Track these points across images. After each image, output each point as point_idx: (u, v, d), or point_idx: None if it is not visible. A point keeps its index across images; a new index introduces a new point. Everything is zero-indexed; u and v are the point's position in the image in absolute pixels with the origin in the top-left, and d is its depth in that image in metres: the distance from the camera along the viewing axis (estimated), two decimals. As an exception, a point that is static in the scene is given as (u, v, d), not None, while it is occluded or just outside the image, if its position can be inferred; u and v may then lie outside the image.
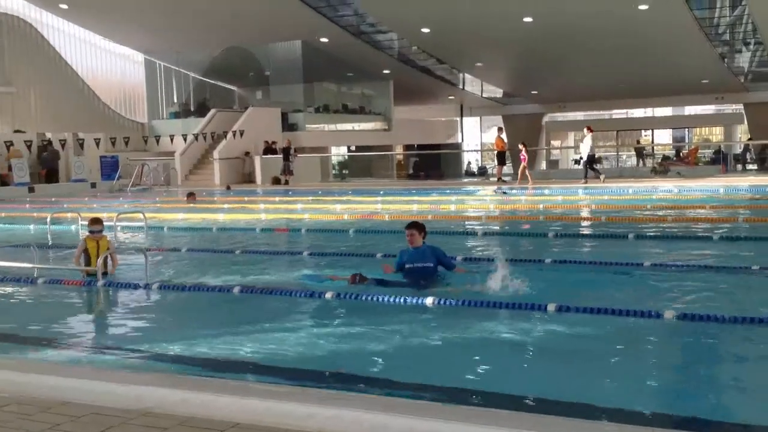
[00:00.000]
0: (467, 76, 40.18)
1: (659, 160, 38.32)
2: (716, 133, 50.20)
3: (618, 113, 49.73)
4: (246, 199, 21.71)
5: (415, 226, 8.33)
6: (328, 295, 7.42)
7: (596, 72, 34.98)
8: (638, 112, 49.68)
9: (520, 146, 25.13)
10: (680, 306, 6.79)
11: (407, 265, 8.16)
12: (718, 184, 20.55)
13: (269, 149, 30.36)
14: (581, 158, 25.60)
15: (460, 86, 41.81)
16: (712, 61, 33.05)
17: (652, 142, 47.96)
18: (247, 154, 29.88)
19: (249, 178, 29.29)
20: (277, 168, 28.61)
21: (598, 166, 25.47)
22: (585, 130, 24.61)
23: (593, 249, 10.51)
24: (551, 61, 34.15)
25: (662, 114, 48.99)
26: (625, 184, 22.03)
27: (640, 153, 42.73)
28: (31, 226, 15.14)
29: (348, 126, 38.39)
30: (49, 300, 8.36)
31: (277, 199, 21.47)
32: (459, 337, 6.14)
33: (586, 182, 22.80)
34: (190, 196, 20.54)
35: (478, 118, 49.08)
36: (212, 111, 33.05)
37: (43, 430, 3.77)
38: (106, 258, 8.77)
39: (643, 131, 49.52)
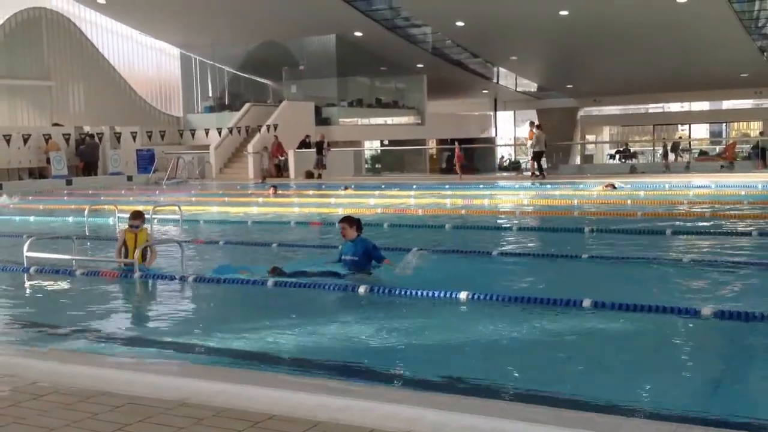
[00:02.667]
0: (501, 69, 39.96)
1: (696, 155, 37.81)
2: (754, 128, 49.32)
3: (654, 107, 49.08)
4: (311, 192, 21.50)
5: (346, 220, 8.63)
6: (362, 290, 7.44)
7: (632, 66, 34.56)
8: (675, 107, 48.98)
9: (456, 144, 27.42)
10: (718, 303, 6.70)
11: (342, 257, 8.50)
12: (756, 180, 20.23)
13: (303, 143, 30.48)
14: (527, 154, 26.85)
15: (495, 80, 41.58)
16: (751, 55, 32.48)
17: (689, 136, 47.26)
18: (265, 149, 29.75)
19: (266, 174, 28.95)
20: (311, 162, 28.71)
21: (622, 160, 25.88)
22: (533, 127, 25.91)
23: (628, 244, 10.40)
24: (587, 55, 33.83)
25: (699, 108, 48.28)
26: (661, 179, 21.77)
27: (676, 148, 42.15)
28: (70, 218, 15.38)
29: (381, 120, 38.39)
30: (87, 291, 8.49)
31: (338, 192, 20.96)
32: (496, 333, 6.13)
33: (534, 177, 24.08)
34: (274, 188, 20.33)
35: (512, 112, 48.79)
36: (247, 105, 33.25)
37: (83, 419, 3.85)
38: (144, 250, 8.87)
39: (679, 126, 48.82)
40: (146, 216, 10.43)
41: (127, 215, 9.59)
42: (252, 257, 10.14)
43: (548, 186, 21.18)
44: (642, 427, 3.81)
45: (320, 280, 7.97)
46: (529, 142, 25.68)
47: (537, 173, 24.66)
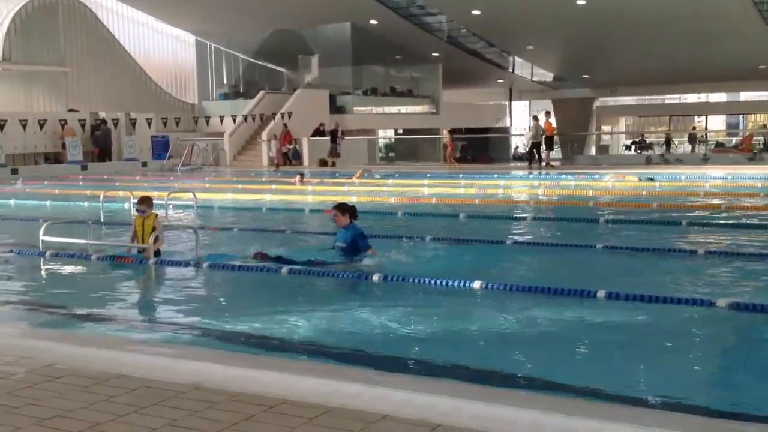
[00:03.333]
0: (517, 59, 39.75)
1: (713, 147, 37.55)
2: (772, 120, 48.92)
3: (671, 98, 48.76)
4: (343, 181, 21.23)
5: (338, 207, 8.72)
6: (375, 278, 7.44)
7: (649, 56, 34.29)
8: (692, 98, 48.65)
9: (446, 133, 27.64)
10: (733, 295, 6.66)
11: (335, 244, 8.64)
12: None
13: (318, 131, 30.46)
14: (525, 145, 27.28)
15: (510, 70, 41.38)
16: (770, 47, 32.18)
17: (706, 128, 46.94)
18: (274, 137, 29.71)
19: (272, 162, 28.92)
20: (325, 150, 28.70)
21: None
22: (548, 117, 26.69)
23: (644, 235, 10.34)
24: (604, 45, 33.61)
25: (716, 100, 47.90)
26: (677, 170, 21.63)
27: (693, 139, 41.91)
28: (85, 204, 15.46)
29: (395, 109, 38.30)
30: (102, 275, 8.54)
31: (357, 181, 20.84)
32: (509, 323, 6.13)
33: (532, 168, 24.61)
34: (300, 176, 20.07)
35: (527, 102, 48.57)
36: (261, 92, 33.26)
37: (98, 401, 3.87)
38: (157, 236, 8.90)
39: (696, 117, 48.50)
40: (159, 202, 10.46)
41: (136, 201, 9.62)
42: (264, 244, 10.14)
43: (562, 176, 21.10)
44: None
45: (319, 269, 8.06)
46: (529, 134, 26.02)
47: (544, 163, 24.92)
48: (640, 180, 18.39)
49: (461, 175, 21.77)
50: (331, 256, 8.49)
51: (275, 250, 8.80)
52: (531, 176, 22.02)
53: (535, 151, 25.34)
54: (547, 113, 28.53)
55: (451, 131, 28.79)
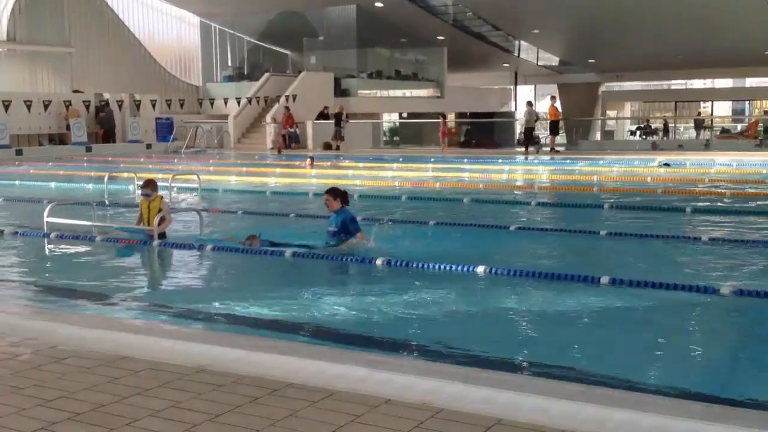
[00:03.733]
0: (523, 43, 39.57)
1: (718, 133, 37.41)
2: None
3: (677, 84, 48.55)
4: (347, 163, 21.17)
5: (330, 192, 8.74)
6: (379, 262, 7.44)
7: (656, 41, 34.11)
8: (698, 83, 48.42)
9: (441, 117, 28.19)
10: (738, 281, 6.65)
11: (327, 228, 8.68)
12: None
13: (322, 114, 30.39)
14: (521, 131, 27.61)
15: (516, 54, 41.20)
16: (776, 32, 31.97)
17: (711, 114, 46.76)
18: (274, 119, 29.59)
19: (273, 146, 28.81)
20: (329, 133, 28.65)
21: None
22: (554, 102, 26.90)
23: (648, 222, 10.33)
24: (610, 30, 33.42)
25: (722, 85, 47.67)
26: (683, 156, 21.57)
27: (699, 125, 41.75)
28: (89, 185, 15.46)
29: (400, 92, 38.18)
30: (106, 257, 8.56)
31: (364, 164, 20.81)
32: (513, 308, 6.13)
33: (528, 152, 24.93)
34: (311, 159, 19.73)
35: (533, 86, 48.38)
36: (266, 75, 33.15)
37: (102, 383, 3.89)
38: (162, 218, 8.89)
39: (701, 103, 48.31)
40: (164, 184, 10.45)
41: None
42: (265, 227, 10.13)
43: (568, 161, 21.08)
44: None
45: (323, 251, 8.12)
46: (523, 119, 26.43)
47: (549, 148, 25.21)
48: (658, 166, 18.38)
49: (465, 160, 21.75)
50: (320, 240, 8.54)
51: (266, 233, 8.78)
52: (537, 161, 22.00)
53: (529, 135, 25.80)
54: (553, 98, 28.47)
55: (443, 115, 28.85)
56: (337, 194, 8.69)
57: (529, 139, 26.14)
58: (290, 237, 8.81)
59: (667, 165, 18.31)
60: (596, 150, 27.47)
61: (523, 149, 26.04)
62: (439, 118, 29.19)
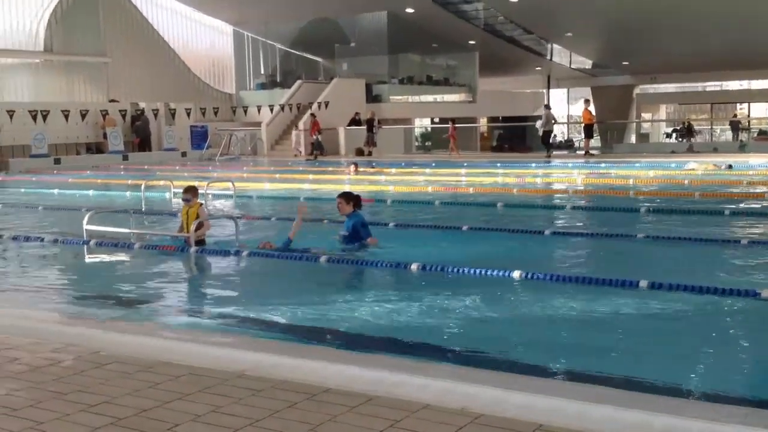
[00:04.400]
0: (555, 46, 39.34)
1: (755, 135, 36.82)
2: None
3: (712, 85, 47.91)
4: (392, 171, 21.08)
5: (342, 196, 8.84)
6: (414, 267, 7.44)
7: (691, 42, 33.72)
8: (733, 85, 47.72)
9: (451, 123, 28.16)
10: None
11: (340, 232, 8.78)
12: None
13: (353, 121, 30.48)
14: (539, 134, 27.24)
15: (548, 57, 40.99)
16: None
17: (749, 115, 46.03)
18: (296, 126, 29.62)
19: (299, 153, 29.00)
20: (361, 139, 28.72)
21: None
22: (587, 105, 26.77)
23: (685, 225, 10.20)
24: (644, 31, 33.08)
25: (759, 87, 46.92)
26: (720, 158, 21.26)
27: (736, 127, 41.14)
28: (127, 193, 15.66)
29: (431, 98, 38.17)
30: (145, 264, 8.65)
31: (396, 170, 20.82)
32: (550, 313, 6.09)
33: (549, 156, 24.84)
34: (355, 165, 19.71)
35: (566, 89, 48.08)
36: (298, 82, 33.36)
37: (143, 388, 3.93)
38: (200, 224, 8.98)
39: (738, 104, 47.59)
40: (201, 191, 10.56)
41: (181, 190, 9.74)
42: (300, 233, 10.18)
43: (602, 165, 20.91)
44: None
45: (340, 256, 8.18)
46: (539, 123, 26.25)
47: (584, 151, 24.82)
48: (718, 167, 18.13)
49: (498, 164, 21.67)
50: (332, 245, 8.60)
51: (283, 238, 8.76)
52: (570, 165, 21.82)
53: (546, 140, 25.72)
54: (586, 101, 28.23)
55: (453, 120, 28.92)
56: (350, 198, 8.76)
57: (548, 142, 26.05)
58: (303, 242, 8.74)
59: (730, 167, 18.10)
60: (631, 153, 27.21)
61: (545, 154, 25.68)
62: (448, 123, 29.15)
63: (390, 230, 9.99)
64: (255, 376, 4.08)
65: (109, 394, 3.85)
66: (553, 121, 25.78)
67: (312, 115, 29.16)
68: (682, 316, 5.91)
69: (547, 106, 27.04)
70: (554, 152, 28.85)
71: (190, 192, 9.33)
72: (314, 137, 28.61)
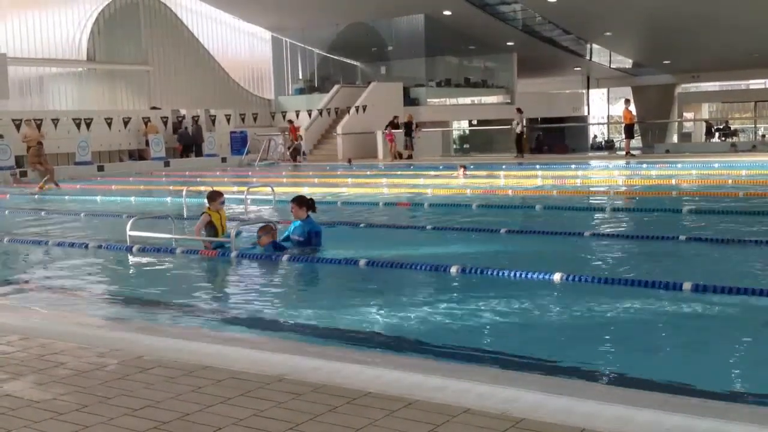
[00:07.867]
0: (595, 46, 38.96)
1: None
2: None
3: (756, 83, 47.01)
4: (484, 173, 20.61)
5: (295, 200, 8.95)
6: (453, 270, 7.42)
7: (733, 39, 33.12)
8: (777, 82, 46.79)
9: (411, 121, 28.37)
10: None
11: (290, 236, 8.97)
12: None
13: (391, 124, 30.52)
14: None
15: (587, 57, 40.59)
16: None
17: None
18: (283, 132, 29.89)
19: (281, 157, 29.26)
20: (399, 143, 28.75)
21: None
22: (628, 105, 26.65)
23: (729, 225, 10.03)
24: (685, 29, 32.60)
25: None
26: (764, 157, 20.87)
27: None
28: (168, 199, 15.87)
29: (469, 100, 38.04)
30: (187, 269, 8.76)
31: (434, 173, 20.78)
32: (591, 316, 6.03)
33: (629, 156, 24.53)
34: (464, 168, 19.15)
35: (606, 89, 47.56)
36: (336, 87, 33.50)
37: (186, 392, 3.98)
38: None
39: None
40: (239, 197, 10.64)
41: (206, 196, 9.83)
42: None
43: (644, 165, 20.64)
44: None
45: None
46: (514, 123, 27.02)
47: (624, 152, 24.63)
48: None
49: (537, 166, 21.51)
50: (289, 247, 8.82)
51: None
52: (612, 166, 21.58)
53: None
54: (627, 101, 27.92)
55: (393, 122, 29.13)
56: (303, 203, 8.87)
57: (520, 144, 26.73)
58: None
59: None
60: (673, 153, 26.82)
61: (624, 153, 25.60)
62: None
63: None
64: (295, 379, 4.11)
65: (153, 398, 3.91)
66: (522, 124, 26.65)
67: (289, 121, 29.97)
68: (728, 319, 5.81)
69: (519, 110, 27.62)
70: (553, 152, 29.15)
71: (222, 195, 9.54)
72: (296, 143, 29.01)
